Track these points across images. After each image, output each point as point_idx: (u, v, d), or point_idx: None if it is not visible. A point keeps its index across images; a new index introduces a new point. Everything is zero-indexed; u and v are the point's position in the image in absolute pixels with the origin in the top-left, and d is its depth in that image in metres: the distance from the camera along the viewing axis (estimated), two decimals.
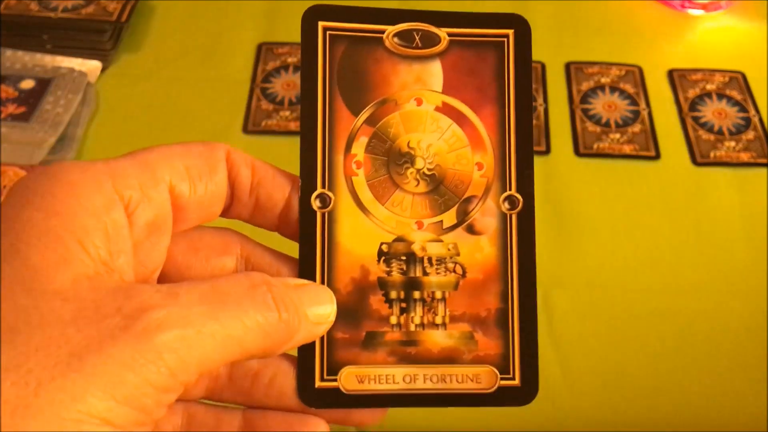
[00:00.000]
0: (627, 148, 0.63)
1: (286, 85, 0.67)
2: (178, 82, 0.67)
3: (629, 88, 0.68)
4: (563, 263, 0.56)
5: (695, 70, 0.70)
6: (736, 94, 0.68)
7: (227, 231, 0.24)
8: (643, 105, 0.67)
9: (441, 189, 0.22)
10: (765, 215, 0.59)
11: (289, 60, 0.69)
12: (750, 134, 0.65)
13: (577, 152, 0.63)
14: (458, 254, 0.21)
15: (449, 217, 0.21)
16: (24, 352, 0.15)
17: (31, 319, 0.16)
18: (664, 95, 0.68)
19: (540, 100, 0.67)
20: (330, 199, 0.23)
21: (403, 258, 0.21)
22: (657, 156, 0.63)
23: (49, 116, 0.61)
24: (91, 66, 0.66)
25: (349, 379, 0.21)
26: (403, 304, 0.21)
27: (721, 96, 0.68)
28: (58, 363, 0.15)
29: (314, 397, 0.21)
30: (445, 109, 0.23)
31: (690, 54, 0.72)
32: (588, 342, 0.52)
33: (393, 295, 0.21)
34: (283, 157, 0.66)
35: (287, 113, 0.65)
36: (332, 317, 0.21)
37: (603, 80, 0.69)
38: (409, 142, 0.22)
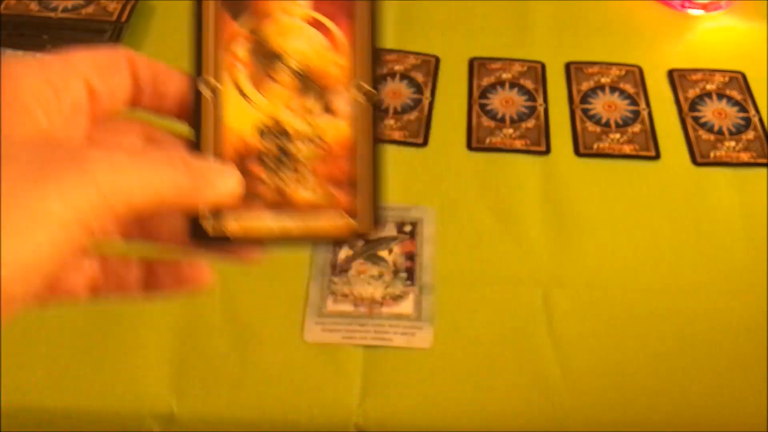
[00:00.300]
0: (627, 148, 0.63)
1: None
2: None
3: (629, 88, 0.68)
4: (563, 263, 0.56)
5: (695, 70, 0.70)
6: (736, 94, 0.68)
7: (134, 118, 0.28)
8: (643, 105, 0.67)
9: (308, 83, 0.28)
10: (765, 215, 0.59)
11: None
12: (750, 134, 0.65)
13: (577, 152, 0.63)
14: (322, 133, 0.28)
15: (315, 105, 0.28)
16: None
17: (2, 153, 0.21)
18: (664, 95, 0.68)
19: (540, 100, 0.67)
20: (217, 87, 0.28)
21: (278, 135, 0.28)
22: (657, 156, 0.63)
23: None
24: None
25: (233, 226, 0.27)
26: (278, 171, 0.28)
27: (721, 96, 0.68)
28: (22, 177, 0.21)
29: (204, 240, 0.27)
30: (312, 21, 0.29)
31: (690, 54, 0.72)
32: (588, 342, 0.52)
33: (269, 163, 0.28)
34: None
35: None
36: (236, 191, 0.27)
37: (603, 80, 0.69)
38: (281, 45, 0.28)
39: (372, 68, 0.29)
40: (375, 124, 0.29)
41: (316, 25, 0.29)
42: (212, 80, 0.28)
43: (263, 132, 0.28)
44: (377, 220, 0.30)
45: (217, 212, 0.27)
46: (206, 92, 0.28)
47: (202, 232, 0.27)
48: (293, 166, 0.28)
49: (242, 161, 0.28)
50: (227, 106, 0.28)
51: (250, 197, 0.27)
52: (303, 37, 0.29)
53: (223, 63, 0.28)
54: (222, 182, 0.26)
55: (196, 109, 0.28)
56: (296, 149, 0.28)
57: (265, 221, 0.28)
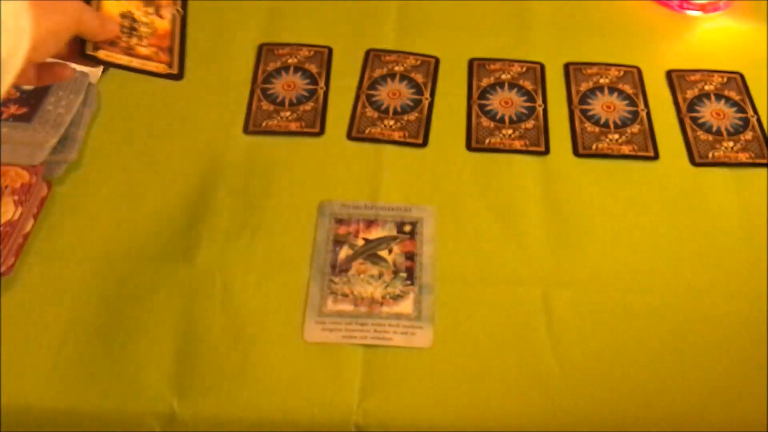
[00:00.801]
0: (626, 149, 0.63)
1: (287, 86, 0.67)
2: (180, 83, 0.67)
3: (628, 88, 0.68)
4: (562, 263, 0.56)
5: (693, 71, 0.70)
6: (734, 95, 0.68)
7: None
8: (641, 105, 0.67)
9: (150, 1, 0.51)
10: (763, 215, 0.59)
11: (290, 61, 0.70)
12: (748, 134, 0.65)
13: (576, 153, 0.63)
14: (153, 24, 0.51)
15: (152, 11, 0.51)
16: None
17: None
18: (663, 96, 0.68)
19: (539, 101, 0.67)
20: None
21: (131, 19, 0.50)
22: (656, 156, 0.63)
23: (51, 117, 0.61)
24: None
25: (101, 54, 0.47)
26: (130, 36, 0.49)
27: (719, 96, 0.68)
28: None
29: (83, 57, 0.47)
30: None
31: (688, 55, 0.72)
32: (587, 341, 0.52)
33: (125, 31, 0.49)
34: (283, 157, 0.67)
35: (288, 114, 0.65)
36: (114, 35, 0.48)
37: (602, 81, 0.69)
38: None
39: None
40: (183, 27, 0.52)
41: None
42: None
43: (123, 15, 0.49)
44: (181, 69, 0.51)
45: (96, 45, 0.47)
46: None
47: (84, 53, 0.47)
48: (137, 35, 0.50)
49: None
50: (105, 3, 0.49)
51: (113, 44, 0.48)
52: None
53: None
54: (110, 29, 0.47)
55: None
56: (140, 28, 0.50)
57: (119, 58, 0.48)
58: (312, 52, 0.70)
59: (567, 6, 0.76)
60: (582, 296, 0.54)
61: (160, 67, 0.51)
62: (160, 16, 0.52)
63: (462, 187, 0.60)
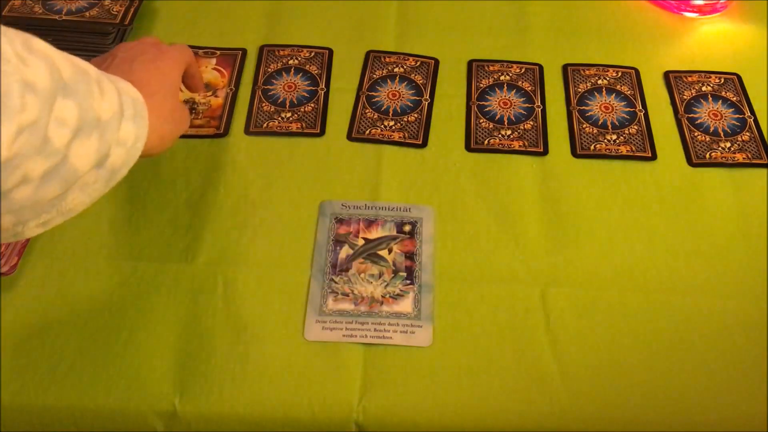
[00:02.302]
0: (623, 149, 0.64)
1: (288, 87, 0.68)
2: None
3: (626, 89, 0.69)
4: (561, 263, 0.56)
5: (691, 72, 0.71)
6: (731, 96, 0.69)
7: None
8: (639, 106, 0.67)
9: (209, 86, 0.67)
10: (760, 215, 0.60)
11: (291, 62, 0.70)
12: (745, 135, 0.65)
13: (575, 153, 0.64)
14: (210, 103, 0.66)
15: (206, 94, 0.67)
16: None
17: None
18: (660, 97, 0.68)
19: (538, 102, 0.67)
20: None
21: (189, 103, 0.64)
22: (653, 157, 0.63)
23: None
24: None
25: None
26: (192, 112, 0.64)
27: (716, 97, 0.68)
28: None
29: None
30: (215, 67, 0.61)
31: (686, 56, 0.72)
32: (585, 340, 0.52)
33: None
34: (284, 157, 0.67)
35: (288, 114, 0.65)
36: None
37: (600, 82, 0.69)
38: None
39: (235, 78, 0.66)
40: (234, 98, 0.66)
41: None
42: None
43: (186, 101, 0.64)
44: (227, 130, 0.64)
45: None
46: None
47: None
48: (195, 112, 0.64)
49: None
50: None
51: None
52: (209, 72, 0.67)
53: None
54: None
55: None
56: (198, 107, 0.65)
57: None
58: (312, 54, 0.71)
59: (565, 8, 0.76)
60: (580, 295, 0.54)
61: (210, 131, 0.64)
62: (216, 96, 0.67)
63: (461, 188, 0.61)
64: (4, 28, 0.36)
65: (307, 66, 0.69)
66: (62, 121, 0.38)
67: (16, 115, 0.35)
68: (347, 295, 0.54)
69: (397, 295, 0.54)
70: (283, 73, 0.69)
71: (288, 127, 0.64)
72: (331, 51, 0.71)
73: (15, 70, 0.35)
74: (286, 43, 0.71)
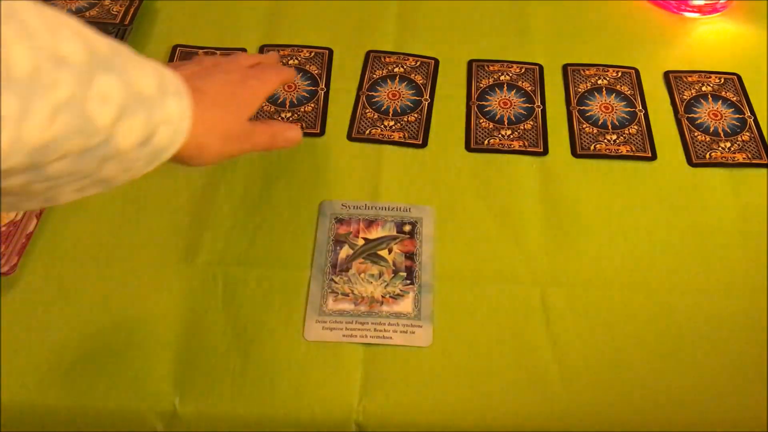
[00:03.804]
0: (623, 149, 0.64)
1: (288, 87, 0.68)
2: None
3: (626, 89, 0.69)
4: (561, 263, 0.56)
5: (691, 72, 0.71)
6: (731, 96, 0.69)
7: None
8: (639, 106, 0.67)
9: None
10: (760, 215, 0.60)
11: (291, 62, 0.70)
12: (745, 135, 0.65)
13: (575, 153, 0.64)
14: None
15: None
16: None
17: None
18: (660, 97, 0.69)
19: (538, 102, 0.67)
20: None
21: None
22: (653, 157, 0.63)
23: None
24: None
25: None
26: None
27: (716, 97, 0.68)
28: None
29: None
30: None
31: (686, 56, 0.72)
32: (585, 341, 0.52)
33: None
34: (284, 157, 0.67)
35: (289, 115, 0.65)
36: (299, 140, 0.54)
37: (600, 82, 0.69)
38: None
39: None
40: None
41: None
42: None
43: None
44: None
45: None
46: None
47: None
48: None
49: None
50: None
51: None
52: None
53: None
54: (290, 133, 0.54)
55: None
56: None
57: None
58: (312, 54, 0.71)
59: (565, 8, 0.76)
60: (580, 295, 0.54)
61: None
62: None
63: (461, 188, 0.61)
64: (37, 3, 0.34)
65: (307, 66, 0.69)
66: (104, 97, 0.35)
67: (49, 92, 0.32)
68: (347, 295, 0.54)
69: (397, 295, 0.54)
70: None
71: None
72: (331, 51, 0.71)
73: (44, 44, 0.33)
74: (286, 43, 0.71)
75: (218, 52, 0.70)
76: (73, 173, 0.37)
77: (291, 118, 0.65)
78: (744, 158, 0.63)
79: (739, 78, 0.70)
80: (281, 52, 0.71)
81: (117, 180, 0.41)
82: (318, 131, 0.64)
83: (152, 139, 0.40)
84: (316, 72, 0.69)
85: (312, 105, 0.66)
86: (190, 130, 0.42)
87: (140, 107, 0.38)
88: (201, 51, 0.70)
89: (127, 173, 0.41)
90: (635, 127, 0.66)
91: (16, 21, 0.32)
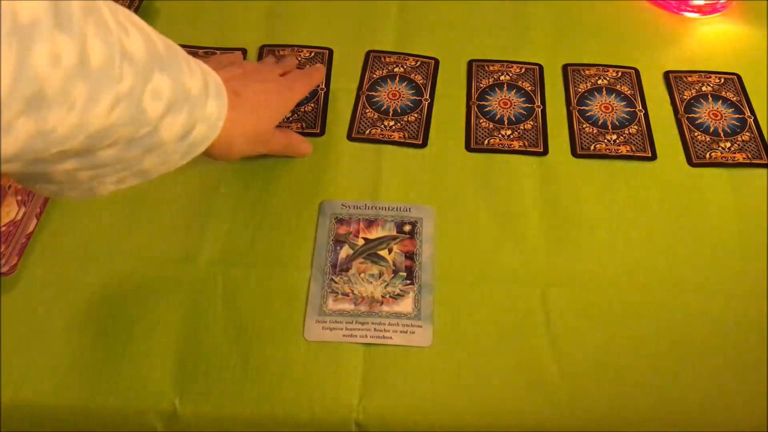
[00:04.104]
0: (623, 149, 0.64)
1: None
2: None
3: (626, 89, 0.69)
4: (561, 263, 0.56)
5: (691, 72, 0.71)
6: (731, 96, 0.69)
7: None
8: (639, 106, 0.67)
9: None
10: (760, 215, 0.60)
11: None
12: (745, 135, 0.65)
13: (575, 153, 0.64)
14: None
15: None
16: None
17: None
18: (660, 97, 0.69)
19: (538, 102, 0.67)
20: None
21: None
22: (653, 157, 0.64)
23: None
24: None
25: None
26: None
27: (716, 97, 0.68)
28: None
29: None
30: None
31: (686, 56, 0.72)
32: (585, 340, 0.52)
33: None
34: (285, 157, 0.67)
35: (288, 115, 0.65)
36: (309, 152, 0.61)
37: (600, 82, 0.69)
38: None
39: None
40: None
41: None
42: None
43: None
44: None
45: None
46: None
47: None
48: None
49: None
50: None
51: None
52: None
53: None
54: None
55: None
56: None
57: None
58: (312, 54, 0.71)
59: (565, 8, 0.76)
60: (580, 295, 0.55)
61: None
62: None
63: (461, 188, 0.61)
64: (109, 1, 0.38)
65: (307, 66, 0.69)
66: (157, 93, 0.39)
67: (115, 84, 0.36)
68: (347, 295, 0.54)
69: (397, 295, 0.54)
70: None
71: (288, 127, 0.65)
72: (331, 51, 0.71)
73: (117, 40, 0.36)
74: (286, 43, 0.71)
75: (218, 51, 0.70)
76: (118, 162, 0.41)
77: (291, 118, 0.65)
78: (744, 158, 0.63)
79: (739, 78, 0.70)
80: (281, 52, 0.71)
81: (154, 172, 0.45)
82: (318, 131, 0.64)
83: (190, 134, 0.44)
84: None
85: (312, 105, 0.66)
86: (223, 129, 0.47)
87: (185, 105, 0.42)
88: (201, 51, 0.70)
89: (164, 165, 0.45)
90: (635, 127, 0.66)
91: (98, 16, 0.35)
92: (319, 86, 0.68)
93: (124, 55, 0.37)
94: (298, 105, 0.66)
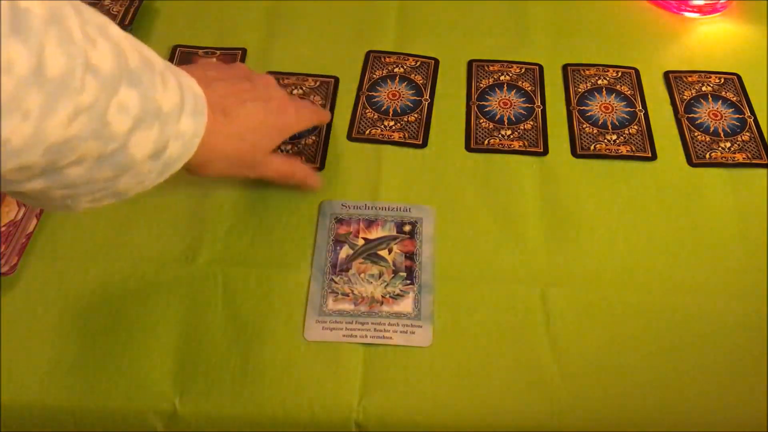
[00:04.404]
0: (623, 149, 0.64)
1: (288, 87, 0.68)
2: None
3: (626, 89, 0.69)
4: (561, 262, 0.56)
5: (691, 72, 0.71)
6: (731, 96, 0.69)
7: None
8: (639, 106, 0.68)
9: None
10: (760, 215, 0.60)
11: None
12: (745, 135, 0.65)
13: (575, 153, 0.64)
14: None
15: None
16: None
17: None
18: (660, 97, 0.69)
19: (538, 102, 0.68)
20: None
21: None
22: (653, 157, 0.64)
23: None
24: None
25: None
26: None
27: (716, 97, 0.68)
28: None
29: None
30: None
31: (686, 56, 0.72)
32: (585, 340, 0.52)
33: None
34: None
35: (287, 144, 0.65)
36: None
37: (600, 82, 0.69)
38: None
39: None
40: None
41: None
42: None
43: None
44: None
45: None
46: None
47: None
48: None
49: None
50: None
51: None
52: None
53: None
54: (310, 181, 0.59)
55: None
56: None
57: None
58: (318, 83, 0.70)
59: (565, 8, 0.76)
60: (580, 295, 0.54)
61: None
62: None
63: (461, 188, 0.61)
64: (84, 7, 0.37)
65: (312, 98, 0.69)
66: (124, 108, 0.38)
67: (75, 96, 0.35)
68: (347, 295, 0.54)
69: (397, 295, 0.54)
70: None
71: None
72: (337, 79, 0.70)
73: (81, 51, 0.36)
74: (286, 44, 0.71)
75: (218, 51, 0.70)
76: (90, 182, 0.40)
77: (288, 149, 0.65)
78: (744, 158, 0.63)
79: (739, 78, 0.70)
80: (284, 81, 0.71)
81: (131, 192, 0.44)
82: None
83: (164, 152, 0.43)
84: None
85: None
86: (201, 147, 0.45)
87: (155, 120, 0.41)
88: (201, 51, 0.70)
89: (140, 185, 0.44)
90: (635, 127, 0.66)
91: (62, 27, 0.35)
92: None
93: (88, 67, 0.36)
94: (299, 137, 0.63)
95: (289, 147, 0.62)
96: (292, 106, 0.55)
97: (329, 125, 0.64)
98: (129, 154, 0.40)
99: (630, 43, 0.73)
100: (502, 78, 0.69)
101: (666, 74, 0.70)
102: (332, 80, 0.68)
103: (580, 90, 0.69)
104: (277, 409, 0.48)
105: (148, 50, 0.42)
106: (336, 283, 0.54)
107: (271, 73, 0.67)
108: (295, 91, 0.67)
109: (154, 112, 0.41)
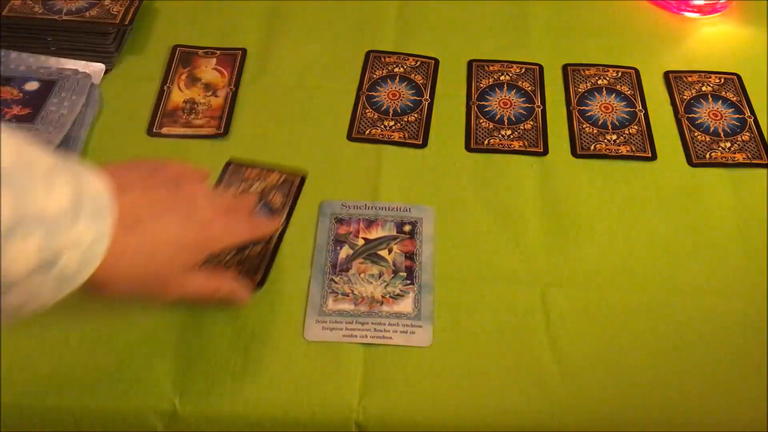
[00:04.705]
0: (623, 149, 0.64)
1: None
2: None
3: (626, 89, 0.69)
4: (561, 263, 0.56)
5: (691, 72, 0.71)
6: (731, 96, 0.69)
7: None
8: (639, 106, 0.68)
9: None
10: (760, 215, 0.60)
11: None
12: (745, 135, 0.65)
13: (575, 153, 0.64)
14: (210, 103, 0.62)
15: (205, 94, 0.65)
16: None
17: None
18: (660, 97, 0.69)
19: (538, 102, 0.68)
20: None
21: (189, 102, 0.62)
22: (653, 157, 0.64)
23: (54, 117, 0.61)
24: (95, 68, 0.67)
25: (164, 130, 0.61)
26: (188, 114, 0.64)
27: (716, 97, 0.69)
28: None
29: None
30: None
31: (686, 56, 0.73)
32: (585, 340, 0.52)
33: (185, 112, 0.65)
34: (285, 157, 0.67)
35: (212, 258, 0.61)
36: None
37: (600, 82, 0.69)
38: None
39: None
40: (234, 98, 0.65)
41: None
42: None
43: (186, 101, 0.64)
44: (226, 130, 0.62)
45: (162, 123, 0.62)
46: None
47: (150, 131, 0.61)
48: (195, 112, 0.64)
49: None
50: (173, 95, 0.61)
51: (176, 121, 0.64)
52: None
53: None
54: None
55: None
56: (198, 107, 0.65)
57: (179, 130, 0.64)
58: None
59: (565, 8, 0.76)
60: (580, 295, 0.54)
61: (211, 131, 0.63)
62: (216, 96, 0.65)
63: (461, 188, 0.61)
64: None
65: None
66: None
67: None
68: (347, 295, 0.54)
69: (397, 295, 0.54)
70: None
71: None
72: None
73: None
74: (286, 43, 0.71)
75: (218, 51, 0.70)
76: None
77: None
78: (744, 158, 0.63)
79: (739, 78, 0.70)
80: (248, 174, 0.60)
81: (27, 309, 0.37)
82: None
83: (56, 263, 0.36)
84: None
85: None
86: (104, 257, 0.38)
87: (36, 226, 0.35)
88: (201, 51, 0.70)
89: (33, 303, 0.37)
90: (635, 127, 0.66)
91: None
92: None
93: None
94: (242, 249, 0.55)
95: (229, 257, 0.54)
96: (222, 220, 0.47)
97: (281, 234, 0.56)
98: (5, 268, 0.34)
99: (630, 43, 0.73)
100: (502, 78, 0.69)
101: (666, 74, 0.70)
102: (297, 179, 0.59)
103: (580, 90, 0.69)
104: (277, 409, 0.48)
105: (35, 150, 0.36)
106: (336, 283, 0.54)
107: (233, 160, 0.61)
108: (255, 185, 0.59)
109: (34, 216, 0.34)
